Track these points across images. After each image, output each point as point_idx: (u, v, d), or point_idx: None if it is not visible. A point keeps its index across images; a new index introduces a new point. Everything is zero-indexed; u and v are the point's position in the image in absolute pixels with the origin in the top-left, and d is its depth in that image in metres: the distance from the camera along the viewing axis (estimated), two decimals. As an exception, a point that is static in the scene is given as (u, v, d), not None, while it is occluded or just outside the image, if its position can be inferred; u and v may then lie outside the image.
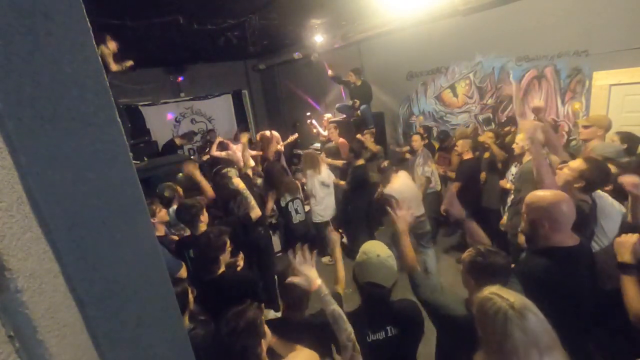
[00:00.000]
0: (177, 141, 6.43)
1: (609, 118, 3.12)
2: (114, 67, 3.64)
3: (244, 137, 4.08)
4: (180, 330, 0.80)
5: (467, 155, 3.90)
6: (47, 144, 0.58)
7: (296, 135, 6.16)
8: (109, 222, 0.66)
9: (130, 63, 3.85)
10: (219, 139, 5.05)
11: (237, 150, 4.65)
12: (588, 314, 1.59)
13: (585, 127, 3.08)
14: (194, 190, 3.45)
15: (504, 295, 1.06)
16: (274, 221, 4.20)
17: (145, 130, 7.49)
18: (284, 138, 6.01)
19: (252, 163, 4.40)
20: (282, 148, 6.11)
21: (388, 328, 1.54)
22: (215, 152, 4.79)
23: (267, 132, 5.52)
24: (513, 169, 3.41)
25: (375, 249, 1.60)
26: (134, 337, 0.71)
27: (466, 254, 1.54)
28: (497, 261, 1.43)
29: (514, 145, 3.21)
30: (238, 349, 1.36)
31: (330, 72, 5.81)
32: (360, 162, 4.31)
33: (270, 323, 1.82)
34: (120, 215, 0.67)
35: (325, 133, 5.68)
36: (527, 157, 2.99)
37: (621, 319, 1.54)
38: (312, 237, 4.03)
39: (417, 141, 4.38)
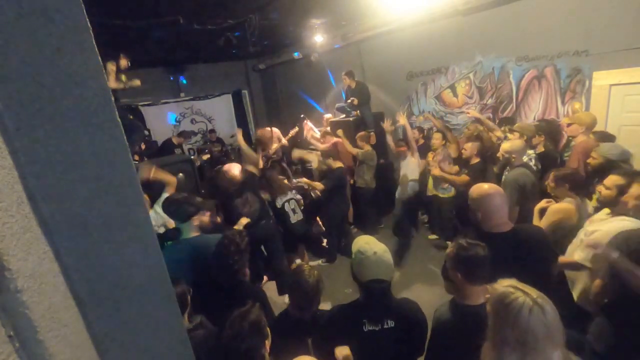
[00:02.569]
0: (175, 140, 6.42)
1: (593, 115, 3.24)
2: (112, 84, 3.60)
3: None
4: (180, 330, 0.80)
5: (475, 160, 3.81)
6: (47, 144, 0.58)
7: (297, 129, 6.14)
8: (109, 222, 0.66)
9: (137, 83, 3.84)
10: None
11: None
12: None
13: (568, 124, 3.27)
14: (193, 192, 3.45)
15: (525, 290, 1.06)
16: None
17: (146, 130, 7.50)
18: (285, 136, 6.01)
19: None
20: (287, 143, 6.09)
21: (386, 320, 1.55)
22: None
23: (268, 129, 5.51)
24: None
25: (370, 246, 1.59)
26: (134, 337, 0.71)
27: (449, 250, 1.59)
28: (479, 252, 1.49)
29: (498, 154, 3.15)
30: (243, 350, 1.37)
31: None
32: (338, 164, 4.33)
33: (276, 318, 1.80)
34: (120, 215, 0.67)
35: (319, 134, 5.63)
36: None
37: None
38: (311, 236, 4.03)
39: (437, 139, 4.37)
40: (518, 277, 1.23)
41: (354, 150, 4.80)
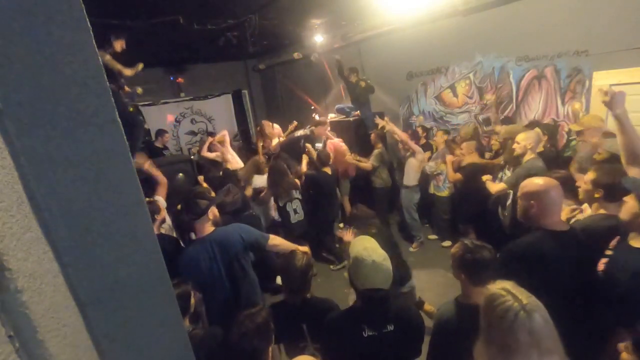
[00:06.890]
0: (158, 143, 6.36)
1: (599, 116, 3.16)
2: (128, 71, 3.56)
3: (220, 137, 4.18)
4: (180, 330, 0.80)
5: (472, 158, 3.88)
6: (47, 144, 0.58)
7: (295, 123, 6.16)
8: (109, 222, 0.66)
9: (141, 66, 3.78)
10: (209, 140, 5.07)
11: (226, 152, 4.76)
12: (573, 295, 1.60)
13: (579, 132, 3.10)
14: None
15: (517, 295, 1.06)
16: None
17: (145, 130, 7.48)
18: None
19: (239, 163, 4.49)
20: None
21: (385, 325, 1.54)
22: (205, 153, 4.84)
23: (270, 124, 5.61)
24: (507, 172, 3.33)
25: (368, 252, 1.54)
26: (134, 337, 0.71)
27: (454, 250, 1.60)
28: (484, 255, 1.50)
29: (515, 145, 3.09)
30: (249, 350, 1.40)
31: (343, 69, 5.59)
32: (327, 169, 4.26)
33: (272, 306, 1.87)
34: (120, 215, 0.67)
35: None
36: (527, 157, 2.97)
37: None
38: (309, 237, 4.06)
39: (439, 137, 4.43)
40: (577, 278, 1.21)
41: (361, 165, 4.76)
